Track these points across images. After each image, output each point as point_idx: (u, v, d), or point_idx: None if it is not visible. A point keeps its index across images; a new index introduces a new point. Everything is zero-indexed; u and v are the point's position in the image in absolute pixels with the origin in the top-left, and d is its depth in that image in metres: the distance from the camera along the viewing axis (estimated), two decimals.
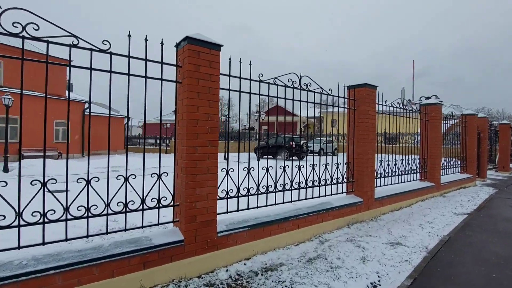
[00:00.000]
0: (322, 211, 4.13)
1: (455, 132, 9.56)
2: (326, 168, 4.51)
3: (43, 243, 2.36)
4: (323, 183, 4.48)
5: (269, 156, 17.13)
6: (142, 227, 2.80)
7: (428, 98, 8.28)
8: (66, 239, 2.43)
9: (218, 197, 3.26)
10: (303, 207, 4.05)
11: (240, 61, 3.40)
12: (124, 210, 2.69)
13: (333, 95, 4.56)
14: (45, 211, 2.35)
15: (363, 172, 4.84)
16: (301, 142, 16.44)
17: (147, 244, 2.67)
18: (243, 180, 3.49)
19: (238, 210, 3.45)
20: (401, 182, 6.29)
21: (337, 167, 4.72)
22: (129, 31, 2.64)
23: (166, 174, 2.90)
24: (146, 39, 2.73)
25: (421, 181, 7.02)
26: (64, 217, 2.43)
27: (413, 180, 6.77)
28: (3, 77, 17.58)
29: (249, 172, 3.52)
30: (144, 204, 2.78)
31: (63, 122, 18.99)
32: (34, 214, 2.28)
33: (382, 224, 4.72)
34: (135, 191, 2.71)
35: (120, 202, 2.65)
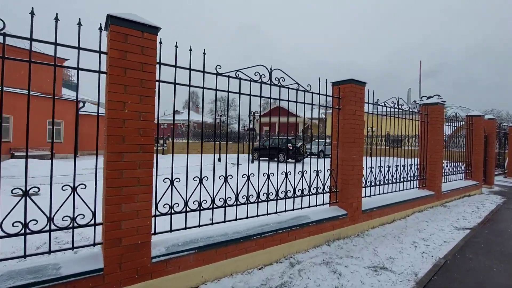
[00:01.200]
0: (295, 227, 3.53)
1: (461, 135, 8.84)
2: (302, 176, 3.91)
3: None
4: (299, 193, 3.88)
5: (265, 158, 16.56)
6: (49, 252, 2.24)
7: (429, 97, 7.60)
8: None
9: (159, 213, 2.71)
10: (272, 223, 3.45)
11: (190, 50, 2.83)
12: (23, 231, 2.14)
13: (312, 92, 3.95)
14: None
15: (348, 181, 4.23)
16: (299, 144, 15.80)
17: (52, 274, 2.12)
18: (193, 192, 2.92)
19: (186, 228, 2.88)
20: (397, 191, 5.65)
21: (317, 174, 4.11)
22: (32, 8, 2.10)
23: (84, 186, 2.34)
24: (56, 19, 2.18)
25: (420, 189, 6.35)
26: None
27: (411, 188, 6.11)
28: None
29: (201, 182, 2.95)
30: (51, 224, 2.23)
31: (57, 121, 18.66)
32: None
33: (369, 241, 4.10)
34: (38, 207, 2.15)
35: (17, 221, 2.10)
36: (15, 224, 2.10)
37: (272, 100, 3.67)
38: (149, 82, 2.45)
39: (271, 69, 3.46)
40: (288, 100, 3.72)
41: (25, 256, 2.15)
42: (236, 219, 3.23)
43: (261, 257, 3.21)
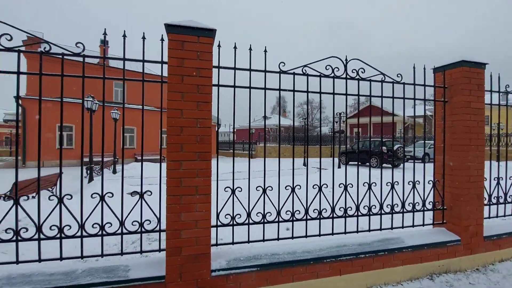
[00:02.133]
0: (382, 252, 2.86)
1: None
2: (392, 188, 3.16)
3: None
4: (388, 209, 3.16)
5: (354, 163, 15.00)
6: (122, 254, 2.39)
7: None
8: (39, 260, 2.25)
9: (220, 224, 2.59)
10: (350, 244, 2.88)
11: (250, 49, 2.65)
12: (100, 233, 2.34)
13: (404, 83, 3.18)
14: (18, 229, 2.22)
15: (461, 196, 3.20)
16: (396, 147, 13.75)
17: (121, 276, 2.24)
18: (256, 202, 2.69)
19: (248, 242, 2.67)
20: None
21: (414, 186, 3.26)
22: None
23: (150, 193, 2.42)
24: (123, 33, 2.34)
25: None
26: (36, 236, 2.25)
27: None
28: (127, 96, 21.75)
29: (264, 192, 2.69)
30: (123, 227, 2.38)
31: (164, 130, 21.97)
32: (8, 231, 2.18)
33: (495, 279, 2.97)
34: (112, 211, 2.33)
35: (95, 223, 2.32)
36: (94, 226, 2.32)
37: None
38: (205, 88, 2.36)
39: (346, 60, 2.93)
40: (370, 96, 3.09)
41: (102, 255, 2.35)
42: (306, 236, 2.82)
43: (336, 284, 2.70)
